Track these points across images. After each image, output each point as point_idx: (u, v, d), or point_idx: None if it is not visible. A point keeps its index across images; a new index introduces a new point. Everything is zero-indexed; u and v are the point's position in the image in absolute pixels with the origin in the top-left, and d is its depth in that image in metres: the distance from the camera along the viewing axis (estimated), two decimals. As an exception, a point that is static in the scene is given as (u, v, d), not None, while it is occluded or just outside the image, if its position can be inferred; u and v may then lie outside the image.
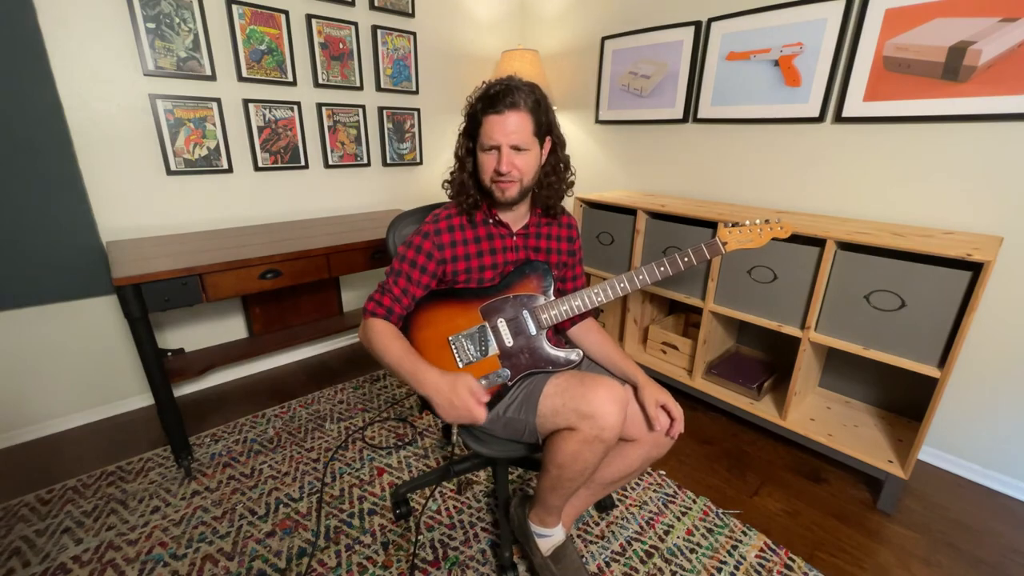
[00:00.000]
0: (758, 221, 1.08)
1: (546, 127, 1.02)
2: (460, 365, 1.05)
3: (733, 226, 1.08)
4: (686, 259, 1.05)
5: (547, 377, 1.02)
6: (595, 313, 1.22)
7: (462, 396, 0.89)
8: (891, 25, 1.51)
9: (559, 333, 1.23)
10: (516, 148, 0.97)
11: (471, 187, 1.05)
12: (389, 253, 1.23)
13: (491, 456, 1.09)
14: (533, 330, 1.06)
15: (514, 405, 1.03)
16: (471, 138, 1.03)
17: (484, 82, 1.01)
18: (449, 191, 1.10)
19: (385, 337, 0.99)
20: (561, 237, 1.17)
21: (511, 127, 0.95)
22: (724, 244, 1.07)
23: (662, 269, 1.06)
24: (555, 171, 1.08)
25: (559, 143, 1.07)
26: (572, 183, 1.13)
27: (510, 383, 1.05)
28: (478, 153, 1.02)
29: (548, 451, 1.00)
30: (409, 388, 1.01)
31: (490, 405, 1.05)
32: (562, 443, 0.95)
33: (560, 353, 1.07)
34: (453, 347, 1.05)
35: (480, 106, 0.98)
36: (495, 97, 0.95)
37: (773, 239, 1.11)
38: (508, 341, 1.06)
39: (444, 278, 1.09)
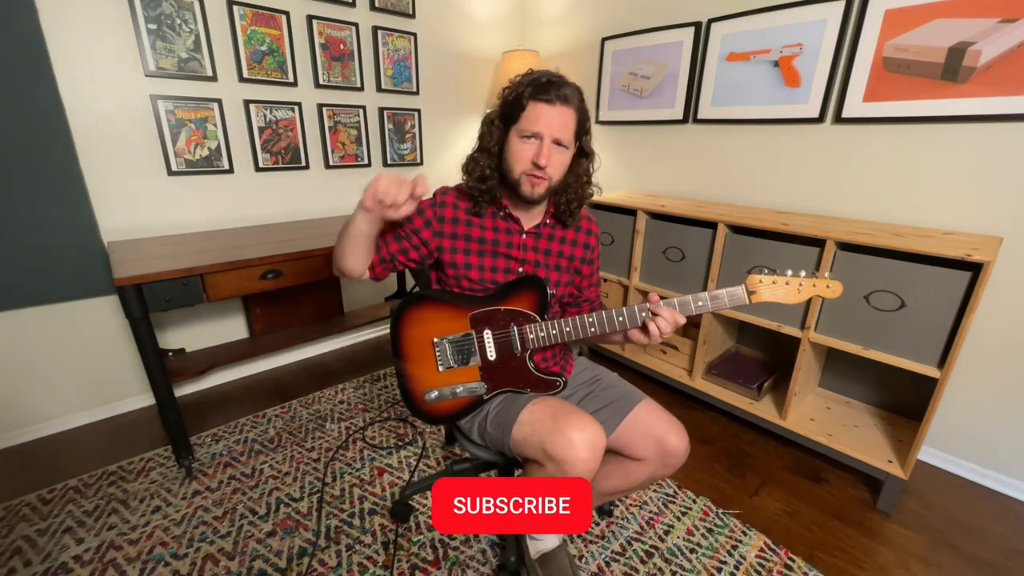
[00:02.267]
0: (803, 273, 0.90)
1: (583, 131, 0.98)
2: (440, 369, 1.03)
3: (768, 273, 0.91)
4: (700, 303, 0.92)
5: (525, 400, 0.98)
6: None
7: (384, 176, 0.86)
8: (891, 26, 1.51)
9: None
10: (557, 143, 0.92)
11: (492, 176, 0.99)
12: None
13: (488, 459, 1.10)
14: (518, 349, 1.02)
15: (491, 422, 1.02)
16: (505, 123, 0.96)
17: (531, 70, 0.96)
18: (468, 177, 1.02)
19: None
20: (577, 243, 1.10)
21: (559, 120, 0.90)
22: (751, 294, 0.90)
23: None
24: (578, 178, 1.03)
25: (587, 152, 1.02)
26: (591, 195, 1.07)
27: (485, 396, 1.03)
28: (512, 139, 0.94)
29: (524, 475, 0.99)
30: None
31: (463, 415, 1.06)
32: (532, 474, 0.94)
33: (542, 376, 1.04)
34: (436, 350, 1.03)
35: (529, 91, 0.91)
36: (548, 85, 0.90)
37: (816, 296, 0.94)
38: (491, 355, 1.02)
39: (441, 257, 1.04)
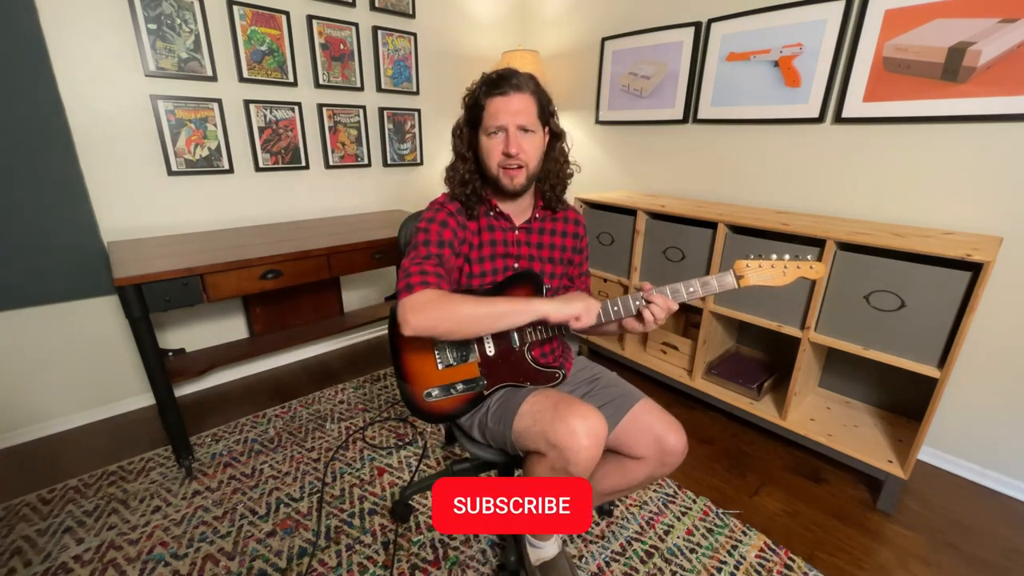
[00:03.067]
0: (786, 257, 0.94)
1: (547, 114, 1.01)
2: (440, 367, 1.03)
3: (754, 258, 0.94)
4: (691, 290, 0.94)
5: (525, 393, 0.99)
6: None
7: (587, 302, 0.93)
8: (891, 26, 1.51)
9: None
10: (523, 129, 0.95)
11: (473, 179, 1.02)
12: (400, 250, 1.21)
13: (488, 459, 1.09)
14: (516, 343, 1.04)
15: (492, 416, 1.02)
16: (473, 127, 1.00)
17: (483, 73, 1.00)
18: (449, 186, 1.06)
19: (457, 299, 0.90)
20: (567, 233, 1.14)
21: (516, 107, 0.94)
22: (739, 278, 0.93)
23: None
24: (556, 161, 1.06)
25: (557, 134, 1.06)
26: (571, 174, 1.10)
27: (486, 392, 1.04)
28: (482, 140, 0.98)
29: (524, 471, 0.99)
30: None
31: (464, 412, 1.06)
32: (534, 466, 0.94)
33: (541, 369, 1.06)
34: (435, 348, 1.04)
35: (483, 90, 0.96)
36: (498, 80, 0.94)
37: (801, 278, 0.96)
38: (490, 350, 1.04)
39: (470, 254, 1.05)
